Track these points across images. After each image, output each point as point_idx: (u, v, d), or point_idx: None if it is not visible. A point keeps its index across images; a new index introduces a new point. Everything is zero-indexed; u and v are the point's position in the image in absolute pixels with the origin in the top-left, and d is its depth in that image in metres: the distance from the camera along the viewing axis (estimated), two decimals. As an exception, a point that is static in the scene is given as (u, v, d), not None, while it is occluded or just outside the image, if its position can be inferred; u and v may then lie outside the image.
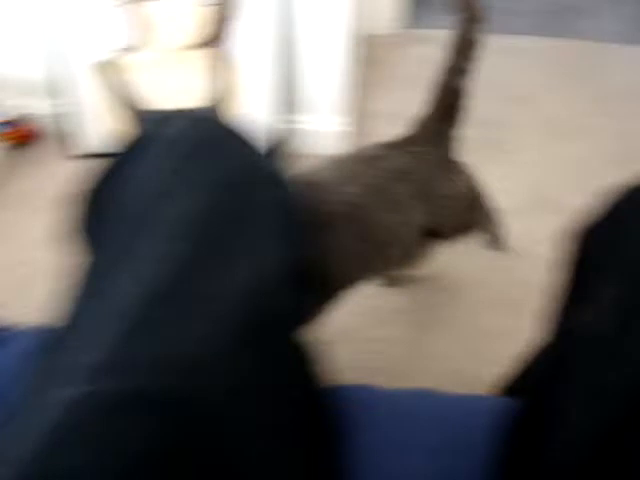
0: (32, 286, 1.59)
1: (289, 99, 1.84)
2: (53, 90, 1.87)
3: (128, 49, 1.75)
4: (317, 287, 1.03)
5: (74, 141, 1.95)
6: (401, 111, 2.05)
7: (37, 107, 2.01)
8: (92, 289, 0.65)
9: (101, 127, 1.87)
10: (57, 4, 1.73)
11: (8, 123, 1.94)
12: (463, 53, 1.19)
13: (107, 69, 1.79)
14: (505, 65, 2.32)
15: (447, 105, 1.24)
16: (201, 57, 1.74)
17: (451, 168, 1.26)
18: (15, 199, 1.88)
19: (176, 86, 1.79)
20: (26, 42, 1.85)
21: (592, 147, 2.05)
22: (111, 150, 0.73)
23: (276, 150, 1.85)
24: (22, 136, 2.00)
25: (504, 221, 1.56)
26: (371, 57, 2.35)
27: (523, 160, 1.99)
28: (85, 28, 1.75)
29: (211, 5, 1.67)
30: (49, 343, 0.62)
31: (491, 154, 1.98)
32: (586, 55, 2.45)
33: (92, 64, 1.79)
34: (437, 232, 1.25)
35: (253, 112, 1.82)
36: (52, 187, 1.87)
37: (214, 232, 0.66)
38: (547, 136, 2.08)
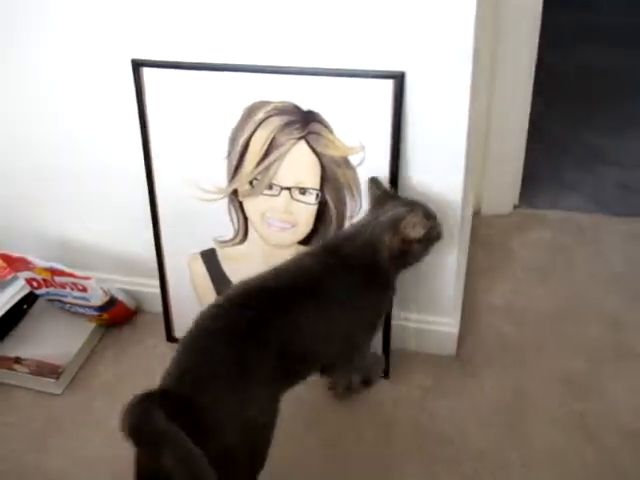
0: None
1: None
2: (156, 271, 1.85)
3: (229, 240, 1.70)
4: None
5: (174, 323, 1.91)
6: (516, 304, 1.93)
7: (139, 286, 1.99)
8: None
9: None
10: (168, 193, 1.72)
11: (108, 304, 1.89)
12: None
13: (208, 258, 1.75)
14: (629, 251, 2.14)
15: None
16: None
17: None
18: (105, 385, 1.82)
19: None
20: (134, 223, 1.84)
21: None
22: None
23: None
24: (121, 316, 1.96)
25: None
26: (482, 239, 2.23)
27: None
28: (190, 215, 1.71)
29: (317, 203, 1.60)
30: None
31: (617, 361, 1.80)
32: None
33: (196, 252, 1.76)
34: None
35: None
36: (147, 373, 1.83)
37: None
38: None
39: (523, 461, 1.58)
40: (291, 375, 1.40)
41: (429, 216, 1.47)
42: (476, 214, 2.29)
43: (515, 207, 2.37)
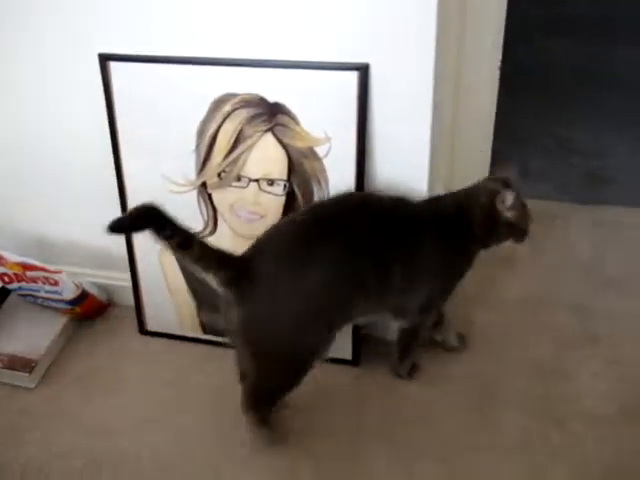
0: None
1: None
2: (127, 264, 1.86)
3: (199, 232, 1.72)
4: None
5: (146, 316, 1.92)
6: (485, 291, 1.96)
7: (111, 279, 2.00)
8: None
9: (173, 303, 1.86)
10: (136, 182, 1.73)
11: (80, 297, 1.90)
12: None
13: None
14: (596, 239, 2.18)
15: None
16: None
17: None
18: (78, 378, 1.82)
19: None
20: (104, 216, 1.83)
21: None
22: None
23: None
24: (93, 310, 1.97)
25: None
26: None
27: (622, 354, 1.81)
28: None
29: (285, 194, 1.61)
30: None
31: (584, 348, 1.83)
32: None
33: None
34: None
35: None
36: (120, 365, 1.85)
37: None
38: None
39: (491, 444, 1.60)
40: (349, 300, 1.48)
41: (522, 204, 1.55)
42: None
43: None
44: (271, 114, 1.55)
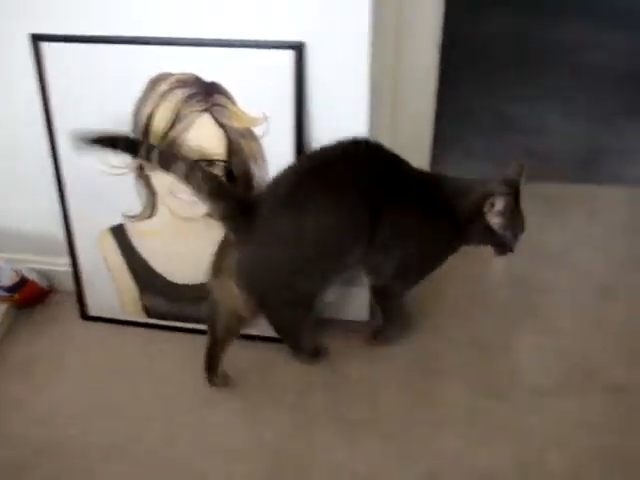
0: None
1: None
2: (66, 249, 1.82)
3: (138, 215, 1.69)
4: None
5: (88, 301, 1.89)
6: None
7: (51, 265, 1.96)
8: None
9: (115, 288, 1.84)
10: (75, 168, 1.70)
11: (19, 284, 1.86)
12: None
13: (118, 234, 1.74)
14: (538, 215, 2.21)
15: None
16: (214, 226, 1.66)
17: None
18: (20, 366, 1.79)
19: (186, 254, 1.74)
20: (42, 201, 1.80)
21: (636, 310, 1.90)
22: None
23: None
24: (33, 296, 1.93)
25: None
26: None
27: (560, 327, 1.84)
28: (97, 190, 1.70)
29: (224, 175, 1.60)
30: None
31: (524, 322, 1.86)
32: (632, 203, 2.31)
33: (105, 228, 1.75)
34: None
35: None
36: (62, 352, 1.82)
37: None
38: (586, 298, 1.93)
39: (435, 420, 1.63)
40: (344, 248, 1.50)
41: (514, 216, 1.52)
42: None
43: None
44: (207, 94, 1.53)
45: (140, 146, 1.45)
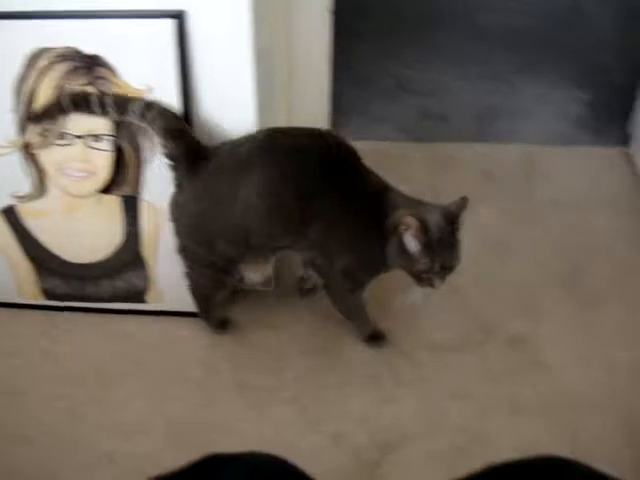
0: None
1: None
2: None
3: (28, 195, 1.65)
4: None
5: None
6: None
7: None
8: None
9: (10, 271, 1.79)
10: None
11: None
12: None
13: (10, 216, 1.69)
14: (435, 175, 2.25)
15: None
16: (108, 203, 1.63)
17: None
18: None
19: (81, 232, 1.70)
20: None
21: (532, 265, 1.96)
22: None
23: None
24: None
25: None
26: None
27: (458, 283, 1.88)
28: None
29: (113, 149, 1.57)
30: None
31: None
32: (526, 160, 2.36)
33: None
34: None
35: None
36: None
37: None
38: (483, 255, 1.98)
39: (340, 382, 1.65)
40: (262, 228, 1.49)
41: (440, 246, 1.42)
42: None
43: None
44: (89, 67, 1.49)
45: (91, 101, 1.47)
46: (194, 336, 1.75)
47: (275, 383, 1.65)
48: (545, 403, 1.60)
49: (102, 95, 1.47)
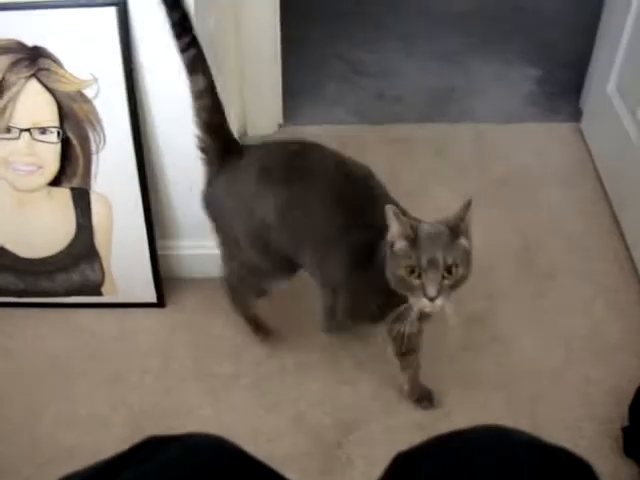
0: None
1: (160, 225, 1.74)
2: None
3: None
4: None
5: None
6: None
7: None
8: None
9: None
10: None
11: None
12: None
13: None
14: (391, 156, 2.26)
15: None
16: (58, 196, 1.62)
17: None
18: None
19: (33, 227, 1.68)
20: None
21: (486, 242, 1.97)
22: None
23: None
24: None
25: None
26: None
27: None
28: None
29: (60, 141, 1.55)
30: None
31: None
32: (479, 139, 2.38)
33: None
34: None
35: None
36: None
37: None
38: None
39: (298, 364, 1.66)
40: (270, 245, 1.46)
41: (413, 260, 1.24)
42: (243, 136, 2.31)
43: (280, 126, 2.41)
44: (32, 59, 1.48)
45: (188, 31, 1.37)
46: (151, 326, 1.75)
47: (233, 370, 1.65)
48: (504, 376, 1.63)
49: (193, 41, 1.38)
